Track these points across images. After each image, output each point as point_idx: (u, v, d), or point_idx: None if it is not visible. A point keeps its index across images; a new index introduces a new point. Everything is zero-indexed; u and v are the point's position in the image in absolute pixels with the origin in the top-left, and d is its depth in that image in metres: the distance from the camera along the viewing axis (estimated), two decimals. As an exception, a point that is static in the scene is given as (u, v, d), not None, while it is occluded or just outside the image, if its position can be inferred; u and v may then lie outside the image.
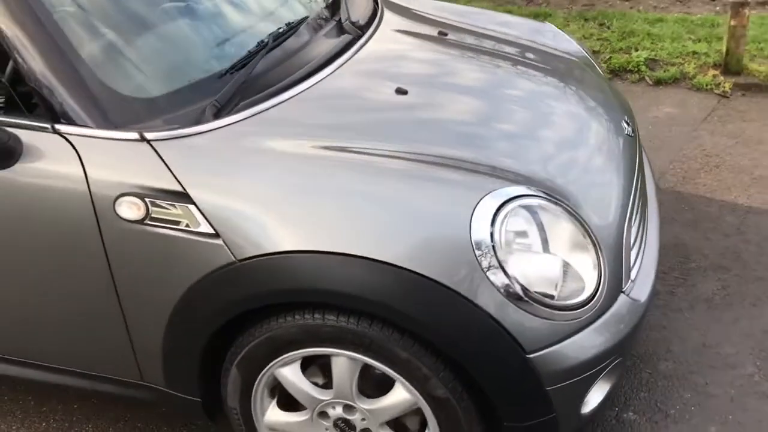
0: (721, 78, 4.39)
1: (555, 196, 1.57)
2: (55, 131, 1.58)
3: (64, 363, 1.87)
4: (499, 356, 1.46)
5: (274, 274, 1.49)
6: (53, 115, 1.57)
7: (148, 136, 1.56)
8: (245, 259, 1.49)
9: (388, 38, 2.15)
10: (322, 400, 1.65)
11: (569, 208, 1.56)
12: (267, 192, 1.51)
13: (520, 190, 1.52)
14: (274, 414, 1.72)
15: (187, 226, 1.51)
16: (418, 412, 1.61)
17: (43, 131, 1.59)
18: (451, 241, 1.44)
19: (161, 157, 1.53)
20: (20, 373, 1.94)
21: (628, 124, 2.03)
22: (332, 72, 1.88)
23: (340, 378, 1.59)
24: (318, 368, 1.68)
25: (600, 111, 2.03)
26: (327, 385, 1.66)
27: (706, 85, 4.31)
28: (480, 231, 1.44)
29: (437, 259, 1.43)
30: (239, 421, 1.74)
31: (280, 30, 1.94)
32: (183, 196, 1.50)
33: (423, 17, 2.45)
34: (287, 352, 1.59)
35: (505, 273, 1.43)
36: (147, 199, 1.52)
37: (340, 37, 2.06)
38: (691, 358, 2.25)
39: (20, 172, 1.58)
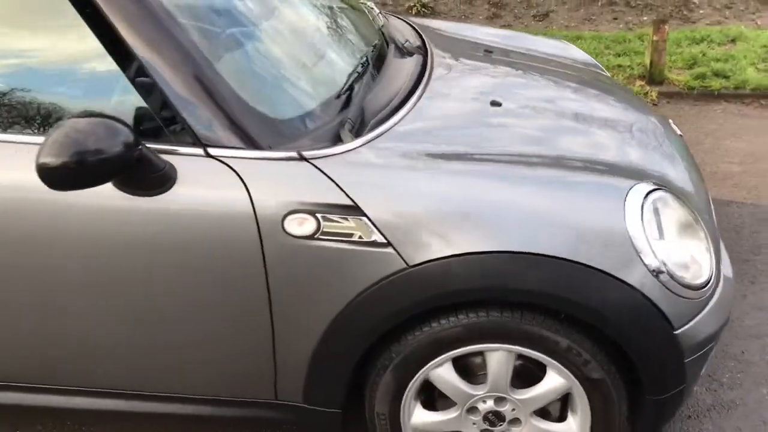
0: (648, 87, 4.84)
1: (671, 189, 1.76)
2: (209, 155, 1.59)
3: (186, 391, 1.85)
4: (652, 333, 1.63)
5: (447, 277, 1.58)
6: (204, 140, 1.59)
7: (306, 154, 1.61)
8: (417, 264, 1.57)
9: (445, 58, 2.29)
10: (475, 396, 1.74)
11: (683, 199, 1.76)
12: (430, 199, 1.60)
13: (651, 185, 1.70)
14: (420, 415, 1.79)
15: (360, 237, 1.57)
16: (560, 398, 1.74)
17: (195, 156, 1.60)
18: (608, 232, 1.59)
19: (326, 174, 1.58)
20: (131, 407, 1.89)
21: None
22: (425, 89, 1.99)
23: (497, 372, 1.70)
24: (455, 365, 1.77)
25: (648, 112, 2.26)
26: (473, 380, 1.75)
27: (636, 95, 4.73)
28: (632, 221, 1.60)
29: (598, 249, 1.58)
30: (386, 425, 1.80)
31: (370, 53, 2.03)
32: (354, 209, 1.56)
33: (455, 38, 2.61)
34: (446, 352, 1.68)
35: (655, 257, 1.60)
36: (318, 215, 1.57)
37: (413, 57, 2.17)
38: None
39: (175, 197, 1.58)
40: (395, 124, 1.78)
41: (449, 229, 1.57)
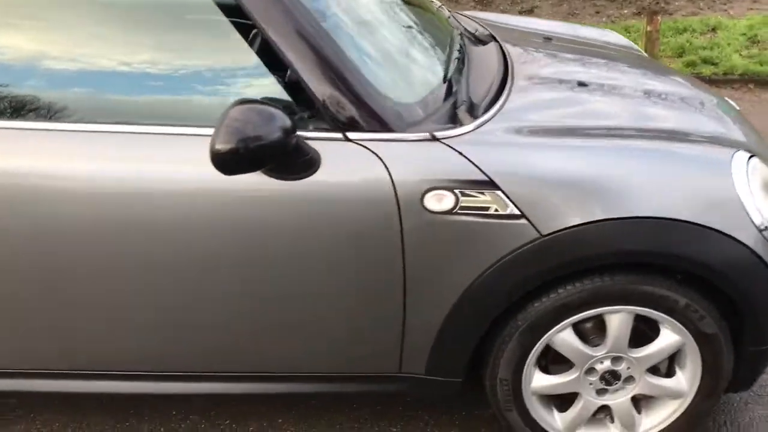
0: (644, 76, 5.03)
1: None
2: (348, 139, 1.67)
3: (310, 370, 1.92)
4: (760, 287, 1.76)
5: (580, 243, 1.69)
6: (342, 126, 1.66)
7: (438, 135, 1.70)
8: (550, 233, 1.68)
9: (514, 45, 2.40)
10: (594, 357, 1.85)
11: (768, 164, 1.90)
12: (559, 171, 1.70)
13: (746, 152, 1.84)
14: (540, 379, 1.90)
15: (495, 210, 1.67)
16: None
17: (334, 141, 1.67)
18: (721, 196, 1.72)
19: (460, 153, 1.68)
20: (259, 389, 1.95)
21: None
22: (513, 72, 2.10)
23: (617, 332, 1.81)
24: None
25: (707, 89, 2.41)
26: (587, 343, 1.86)
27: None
28: (740, 185, 1.74)
29: (714, 212, 1.71)
30: (508, 391, 1.90)
31: (459, 41, 2.14)
32: (489, 184, 1.66)
33: (508, 27, 2.73)
34: (570, 317, 1.79)
35: (761, 216, 1.73)
36: (456, 191, 1.66)
37: (490, 45, 2.29)
38: None
39: (319, 180, 1.65)
40: (503, 105, 1.88)
41: (579, 199, 1.68)
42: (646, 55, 2.88)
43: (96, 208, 1.66)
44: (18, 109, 1.69)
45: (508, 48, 2.32)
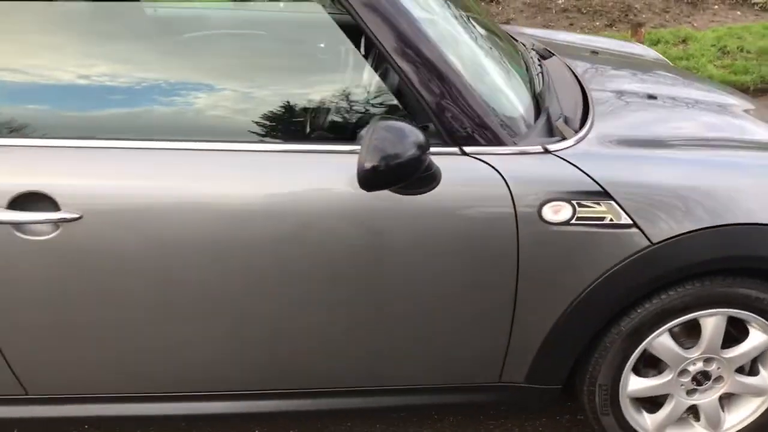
0: (629, 86, 5.21)
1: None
2: (465, 153, 1.70)
3: (409, 382, 1.93)
4: None
5: (689, 250, 1.75)
6: (459, 140, 1.70)
7: (550, 148, 1.75)
8: (660, 241, 1.74)
9: (570, 59, 2.48)
10: (688, 359, 1.93)
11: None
12: (667, 181, 1.76)
13: None
14: (635, 383, 1.96)
15: (610, 220, 1.72)
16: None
17: (452, 155, 1.70)
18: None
19: (574, 165, 1.73)
20: (359, 404, 1.96)
21: None
22: (586, 86, 2.17)
23: (712, 335, 1.89)
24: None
25: (742, 96, 2.53)
26: (681, 345, 1.93)
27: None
28: None
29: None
30: (606, 396, 1.95)
31: (527, 54, 2.20)
32: (604, 195, 1.72)
33: (552, 41, 2.80)
34: (670, 321, 1.86)
35: None
36: (574, 202, 1.71)
37: (554, 59, 2.35)
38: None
39: (439, 194, 1.68)
40: (594, 118, 1.94)
41: (685, 208, 1.75)
42: (672, 65, 2.99)
43: (217, 226, 1.65)
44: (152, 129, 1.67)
45: (568, 62, 2.39)
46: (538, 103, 1.96)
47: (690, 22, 6.93)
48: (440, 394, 1.97)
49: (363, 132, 1.54)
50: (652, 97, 2.18)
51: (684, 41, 6.14)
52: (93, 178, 1.63)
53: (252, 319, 1.76)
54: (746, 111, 2.32)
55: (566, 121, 1.88)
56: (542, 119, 1.88)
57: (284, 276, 1.70)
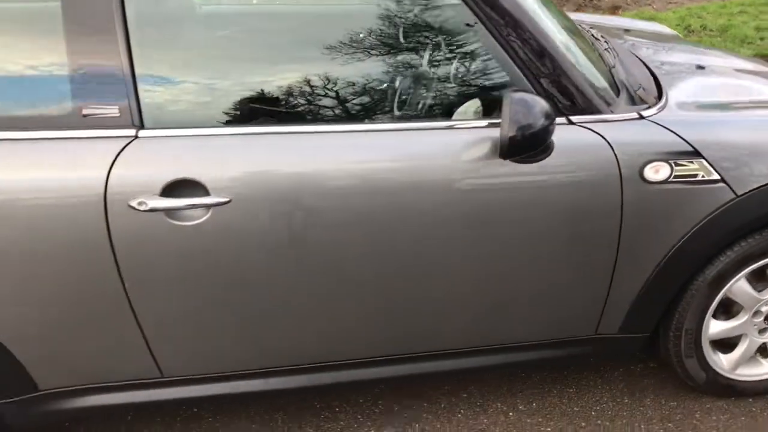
0: (609, 66, 5.47)
1: None
2: (572, 123, 1.86)
3: (507, 340, 2.08)
4: None
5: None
6: (565, 110, 1.85)
7: (644, 114, 1.92)
8: (744, 193, 1.94)
9: (611, 36, 2.67)
10: (761, 300, 2.13)
11: None
12: (748, 138, 1.95)
13: None
14: (715, 326, 2.16)
15: (702, 176, 1.91)
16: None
17: (561, 125, 1.85)
18: None
19: (667, 128, 1.91)
20: (462, 365, 2.10)
21: None
22: (642, 59, 2.36)
23: (787, 276, 2.10)
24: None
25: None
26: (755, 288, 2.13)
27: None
28: None
29: None
30: (691, 339, 2.14)
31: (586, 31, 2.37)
32: (695, 154, 1.90)
33: (579, 21, 2.99)
34: (749, 266, 2.06)
35: None
36: (671, 162, 1.89)
37: (600, 36, 2.54)
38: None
39: (552, 162, 1.83)
40: (667, 87, 2.13)
41: (765, 161, 1.94)
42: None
43: (367, 202, 1.76)
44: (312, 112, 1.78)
45: (613, 40, 2.58)
46: (613, 76, 2.13)
47: (650, 4, 7.26)
48: (540, 349, 2.12)
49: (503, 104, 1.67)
50: (700, 67, 2.38)
51: (651, 20, 6.43)
52: (241, 163, 1.72)
53: (385, 290, 1.88)
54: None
55: (645, 90, 2.06)
56: (623, 89, 2.05)
57: (420, 245, 1.83)
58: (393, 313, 1.93)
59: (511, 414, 2.22)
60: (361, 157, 1.76)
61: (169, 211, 1.69)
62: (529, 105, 1.68)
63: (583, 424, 2.18)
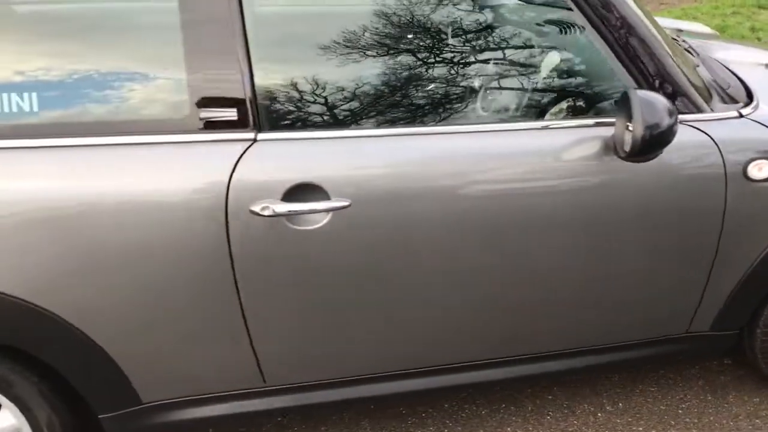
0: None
1: None
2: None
3: (601, 341, 2.08)
4: None
5: None
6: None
7: (743, 112, 1.94)
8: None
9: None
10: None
11: None
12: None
13: None
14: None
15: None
16: None
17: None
18: None
19: (766, 126, 1.92)
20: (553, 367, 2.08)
21: None
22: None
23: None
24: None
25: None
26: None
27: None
28: None
29: None
30: (771, 337, 2.17)
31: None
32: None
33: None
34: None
35: None
36: (773, 160, 1.90)
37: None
38: None
39: (661, 161, 1.83)
40: (753, 85, 2.15)
41: None
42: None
43: (479, 204, 1.75)
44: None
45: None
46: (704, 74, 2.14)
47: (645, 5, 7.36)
48: (636, 349, 2.12)
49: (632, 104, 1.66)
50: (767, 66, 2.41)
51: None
52: (360, 166, 1.69)
53: (493, 293, 1.86)
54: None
55: (736, 89, 2.07)
56: (712, 89, 2.06)
57: (529, 246, 1.82)
58: (498, 315, 1.91)
59: (599, 414, 2.22)
60: (473, 158, 1.74)
61: (290, 216, 1.65)
62: (655, 104, 1.67)
63: (672, 422, 2.18)
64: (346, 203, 1.66)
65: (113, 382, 1.75)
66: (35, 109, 1.57)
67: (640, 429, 2.16)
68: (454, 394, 2.27)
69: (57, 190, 1.54)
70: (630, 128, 1.67)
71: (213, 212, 1.62)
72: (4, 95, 1.55)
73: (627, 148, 1.69)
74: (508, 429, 2.17)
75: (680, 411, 2.23)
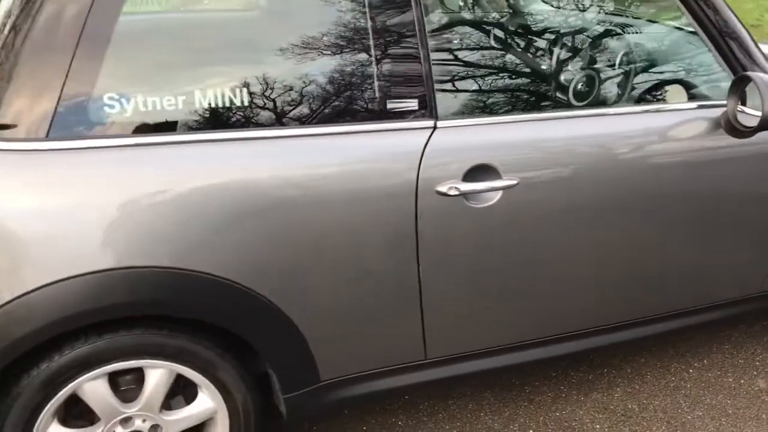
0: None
1: None
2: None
3: (725, 297, 2.34)
4: None
5: None
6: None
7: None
8: None
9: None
10: None
11: None
12: None
13: None
14: None
15: None
16: None
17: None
18: None
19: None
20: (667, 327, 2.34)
21: None
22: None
23: None
24: None
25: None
26: None
27: None
28: None
29: None
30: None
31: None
32: None
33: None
34: None
35: None
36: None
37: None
38: None
39: (760, 137, 2.11)
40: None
41: None
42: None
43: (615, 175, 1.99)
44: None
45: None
46: None
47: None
48: (723, 309, 2.38)
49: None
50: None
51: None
52: (526, 147, 1.89)
53: (628, 259, 2.09)
54: None
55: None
56: None
57: (654, 216, 2.08)
58: (628, 281, 2.14)
59: (691, 371, 2.47)
60: (618, 138, 1.98)
61: (469, 195, 1.82)
62: (768, 85, 1.94)
63: (755, 373, 2.46)
64: (514, 182, 1.85)
65: (302, 362, 1.86)
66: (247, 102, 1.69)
67: (731, 380, 2.43)
68: (551, 365, 2.47)
69: (268, 179, 1.67)
70: (741, 108, 1.94)
71: (405, 194, 1.77)
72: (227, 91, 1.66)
73: (752, 123, 1.94)
74: (618, 389, 2.39)
75: (757, 362, 2.52)
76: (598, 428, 2.24)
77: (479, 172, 1.84)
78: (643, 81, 2.18)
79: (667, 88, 2.19)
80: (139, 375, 1.74)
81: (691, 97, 2.14)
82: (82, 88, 1.56)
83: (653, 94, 2.16)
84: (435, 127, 1.81)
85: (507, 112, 1.95)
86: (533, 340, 2.14)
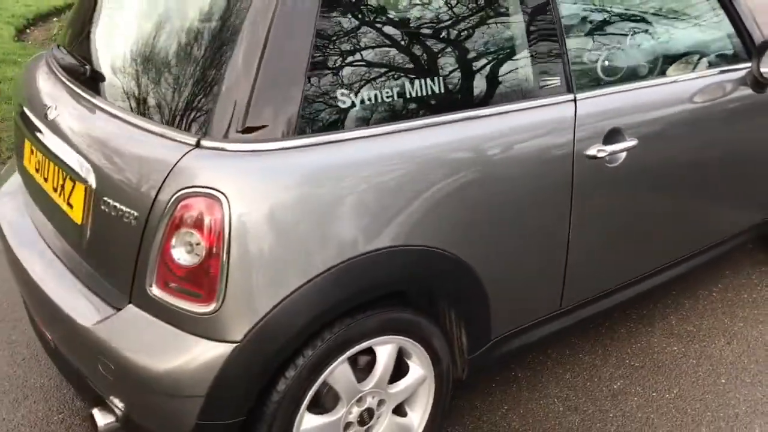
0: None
1: None
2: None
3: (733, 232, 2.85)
4: None
5: None
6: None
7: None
8: None
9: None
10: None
11: None
12: None
13: None
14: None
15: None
16: None
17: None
18: None
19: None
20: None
21: None
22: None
23: None
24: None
25: None
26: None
27: None
28: None
29: None
30: None
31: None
32: None
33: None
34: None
35: None
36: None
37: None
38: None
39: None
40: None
41: None
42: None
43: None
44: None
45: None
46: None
47: None
48: (740, 237, 2.89)
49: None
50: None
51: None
52: (639, 111, 2.23)
53: (699, 200, 2.52)
54: None
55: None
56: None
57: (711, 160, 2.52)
58: (699, 218, 2.60)
59: (705, 301, 2.96)
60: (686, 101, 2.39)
61: (608, 155, 2.12)
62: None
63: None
64: (634, 143, 2.18)
65: (485, 321, 2.06)
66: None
67: (754, 296, 2.94)
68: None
69: (462, 156, 1.85)
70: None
71: (564, 159, 2.04)
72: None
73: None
74: (671, 317, 2.81)
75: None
76: (675, 350, 2.64)
77: (612, 135, 2.13)
78: (685, 53, 2.59)
79: (703, 58, 2.61)
80: (367, 354, 1.84)
81: (715, 65, 2.59)
82: (318, 86, 1.64)
83: (695, 62, 2.58)
84: (575, 99, 2.08)
85: (631, 80, 2.29)
86: (641, 276, 2.49)
